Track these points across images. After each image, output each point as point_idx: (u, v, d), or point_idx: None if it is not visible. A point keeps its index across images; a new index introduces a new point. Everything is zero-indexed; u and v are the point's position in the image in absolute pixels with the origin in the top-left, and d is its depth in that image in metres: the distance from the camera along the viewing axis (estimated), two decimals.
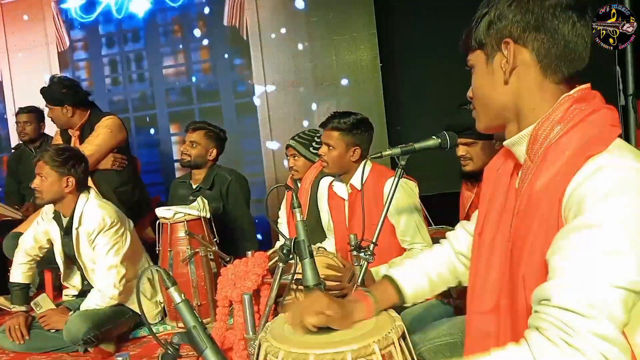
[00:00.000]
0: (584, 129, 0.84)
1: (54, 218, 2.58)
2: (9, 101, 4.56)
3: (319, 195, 2.52)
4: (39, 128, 3.77)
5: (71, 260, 2.62)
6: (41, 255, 2.69)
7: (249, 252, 1.98)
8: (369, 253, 1.60)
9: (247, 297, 1.50)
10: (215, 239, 2.62)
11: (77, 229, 2.49)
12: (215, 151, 3.04)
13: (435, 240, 2.03)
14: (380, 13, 3.87)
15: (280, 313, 1.19)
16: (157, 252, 2.73)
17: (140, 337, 2.57)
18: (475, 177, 1.95)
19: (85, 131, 3.08)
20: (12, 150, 3.99)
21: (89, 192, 2.57)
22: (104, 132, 3.02)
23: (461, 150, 1.89)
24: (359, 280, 1.58)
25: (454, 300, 1.78)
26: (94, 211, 2.48)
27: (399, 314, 1.16)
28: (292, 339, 1.04)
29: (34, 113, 3.73)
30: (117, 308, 2.47)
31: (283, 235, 1.39)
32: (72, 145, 3.09)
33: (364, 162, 2.11)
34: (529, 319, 0.79)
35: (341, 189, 2.27)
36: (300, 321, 1.04)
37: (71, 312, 2.46)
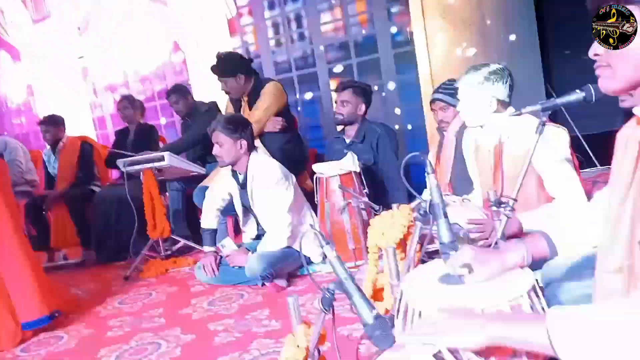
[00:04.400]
0: None
1: (232, 175, 3.03)
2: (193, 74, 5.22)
3: (463, 145, 2.56)
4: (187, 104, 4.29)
5: (247, 209, 3.07)
6: (224, 205, 3.18)
7: (395, 205, 2.15)
8: (509, 208, 1.67)
9: (391, 249, 1.69)
10: (365, 190, 2.85)
11: (250, 184, 2.92)
12: (363, 106, 3.23)
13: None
14: None
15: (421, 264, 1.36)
16: (315, 202, 3.08)
17: (306, 274, 2.95)
18: None
19: (253, 97, 3.47)
20: (181, 121, 4.61)
21: (257, 152, 2.97)
22: (269, 98, 3.39)
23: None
24: (499, 235, 1.67)
25: None
26: (263, 168, 2.87)
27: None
28: (431, 288, 1.21)
29: (177, 93, 4.28)
30: (287, 250, 2.86)
31: (417, 196, 1.53)
32: (242, 110, 3.53)
33: (508, 115, 2.11)
34: None
35: (486, 140, 2.29)
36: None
37: (250, 252, 2.93)
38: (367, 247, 2.47)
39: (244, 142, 2.87)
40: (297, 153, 3.58)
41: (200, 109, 4.23)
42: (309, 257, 2.98)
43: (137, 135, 4.50)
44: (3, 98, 6.70)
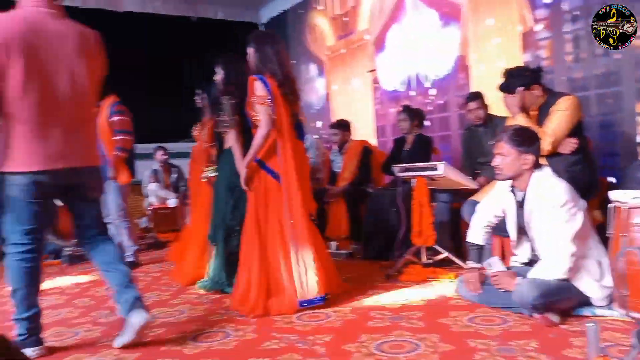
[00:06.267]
0: None
1: (510, 191, 2.85)
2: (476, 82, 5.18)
3: None
4: (485, 112, 4.18)
5: (522, 230, 2.84)
6: (495, 222, 3.02)
7: None
8: None
9: None
10: None
11: (530, 203, 2.69)
12: None
13: None
14: None
15: None
16: (606, 235, 2.65)
17: (583, 315, 2.57)
18: None
19: (543, 111, 3.21)
20: (465, 130, 4.56)
21: (543, 170, 2.72)
22: (562, 114, 3.08)
23: None
24: None
25: None
26: (549, 188, 2.61)
27: None
28: None
29: (479, 99, 4.16)
30: (564, 283, 2.54)
31: None
32: (528, 125, 3.30)
33: None
34: None
35: None
36: None
37: (519, 277, 2.70)
38: None
39: (530, 157, 2.67)
40: (585, 178, 3.15)
41: (495, 120, 4.13)
42: (590, 298, 2.60)
43: (414, 145, 4.67)
44: (309, 104, 7.82)
